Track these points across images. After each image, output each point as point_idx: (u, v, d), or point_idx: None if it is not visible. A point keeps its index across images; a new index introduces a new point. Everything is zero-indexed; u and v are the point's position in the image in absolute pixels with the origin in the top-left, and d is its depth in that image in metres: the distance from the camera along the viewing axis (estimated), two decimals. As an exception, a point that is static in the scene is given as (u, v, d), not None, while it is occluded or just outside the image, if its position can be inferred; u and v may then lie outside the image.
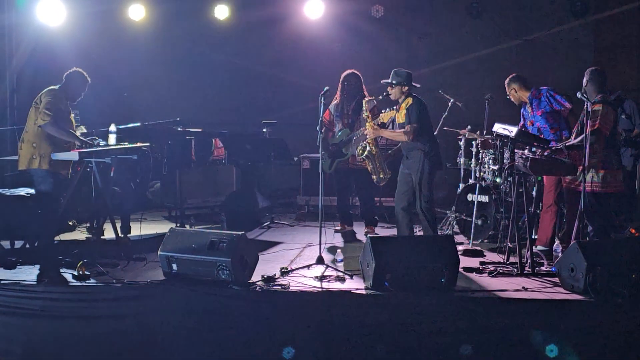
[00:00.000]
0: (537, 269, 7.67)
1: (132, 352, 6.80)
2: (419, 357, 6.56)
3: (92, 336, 6.83)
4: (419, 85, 8.81)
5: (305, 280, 7.38)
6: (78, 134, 8.61)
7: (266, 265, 7.81)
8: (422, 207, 8.51)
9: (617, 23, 13.08)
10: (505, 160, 7.92)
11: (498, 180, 9.18)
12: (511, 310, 6.64)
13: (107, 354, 6.81)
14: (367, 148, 8.93)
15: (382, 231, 10.25)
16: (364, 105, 9.04)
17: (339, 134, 9.85)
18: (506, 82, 8.84)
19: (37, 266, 7.64)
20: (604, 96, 7.99)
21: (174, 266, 7.18)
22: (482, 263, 8.04)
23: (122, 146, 8.61)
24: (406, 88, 8.65)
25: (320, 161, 8.47)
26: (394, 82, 8.63)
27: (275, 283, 7.20)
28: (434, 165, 8.54)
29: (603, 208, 7.95)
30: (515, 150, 7.83)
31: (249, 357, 6.67)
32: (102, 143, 8.49)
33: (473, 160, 9.59)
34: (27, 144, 8.20)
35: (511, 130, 7.79)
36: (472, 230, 9.03)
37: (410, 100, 8.62)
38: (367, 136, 8.92)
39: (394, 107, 9.38)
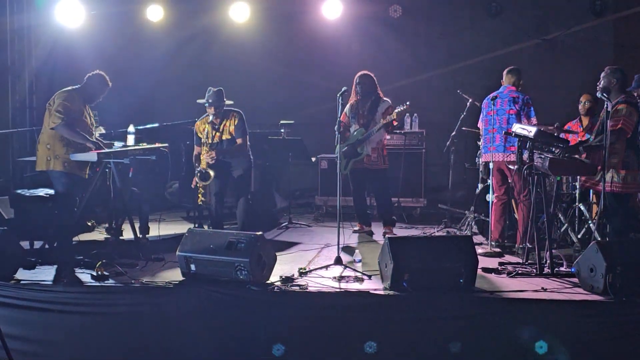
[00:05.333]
0: (556, 269, 7.63)
1: (149, 352, 6.81)
2: (437, 356, 6.54)
3: (109, 336, 6.84)
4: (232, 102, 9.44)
5: (323, 280, 7.36)
6: (97, 134, 8.64)
7: (284, 266, 7.81)
8: (246, 202, 9.39)
9: (638, 22, 12.97)
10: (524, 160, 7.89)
11: None
12: (530, 311, 6.60)
13: (125, 353, 6.82)
14: (211, 173, 9.17)
15: (401, 231, 10.22)
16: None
17: (354, 134, 9.84)
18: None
19: (56, 266, 7.68)
20: (628, 96, 7.92)
21: (192, 266, 7.18)
22: (501, 263, 8.01)
23: (140, 147, 8.63)
24: (224, 104, 9.28)
25: (338, 161, 8.47)
26: (210, 100, 9.17)
27: (293, 283, 7.18)
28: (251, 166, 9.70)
29: (622, 208, 7.90)
30: (534, 150, 7.80)
31: (266, 357, 6.66)
32: (119, 144, 8.52)
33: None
34: (42, 146, 8.26)
35: (530, 130, 7.75)
36: (490, 231, 8.98)
37: (236, 115, 9.34)
38: (208, 162, 9.20)
39: (406, 103, 9.47)
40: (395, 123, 9.74)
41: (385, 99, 9.89)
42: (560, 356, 6.36)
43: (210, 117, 9.17)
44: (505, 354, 6.46)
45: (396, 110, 9.57)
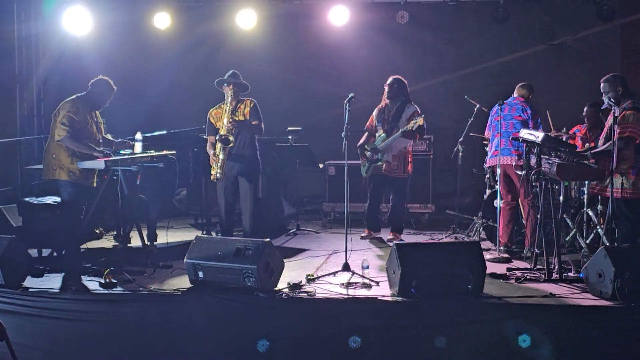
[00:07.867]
0: (564, 275, 7.61)
1: (157, 359, 6.81)
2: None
3: (117, 344, 6.86)
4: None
5: (331, 287, 7.37)
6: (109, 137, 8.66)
7: (292, 272, 7.81)
8: (253, 209, 9.21)
9: (645, 27, 12.97)
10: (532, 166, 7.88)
11: None
12: (539, 317, 6.58)
13: (133, 361, 6.85)
14: (231, 138, 8.94)
15: (409, 237, 10.21)
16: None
17: (378, 139, 9.80)
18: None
19: (64, 274, 7.70)
20: (635, 102, 7.89)
21: (200, 274, 7.19)
22: (509, 269, 8.00)
23: (148, 154, 8.63)
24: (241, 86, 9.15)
25: (345, 168, 8.42)
26: (230, 79, 9.06)
27: (301, 290, 7.18)
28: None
29: (633, 214, 7.86)
30: (541, 156, 7.79)
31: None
32: (127, 152, 8.53)
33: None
34: (49, 155, 8.27)
35: (537, 136, 7.74)
36: (498, 237, 8.96)
37: (251, 101, 9.12)
38: (228, 127, 8.95)
39: (423, 115, 9.37)
40: (413, 128, 9.45)
41: (412, 105, 9.83)
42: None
43: (228, 99, 9.00)
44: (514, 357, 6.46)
45: (421, 117, 9.44)
